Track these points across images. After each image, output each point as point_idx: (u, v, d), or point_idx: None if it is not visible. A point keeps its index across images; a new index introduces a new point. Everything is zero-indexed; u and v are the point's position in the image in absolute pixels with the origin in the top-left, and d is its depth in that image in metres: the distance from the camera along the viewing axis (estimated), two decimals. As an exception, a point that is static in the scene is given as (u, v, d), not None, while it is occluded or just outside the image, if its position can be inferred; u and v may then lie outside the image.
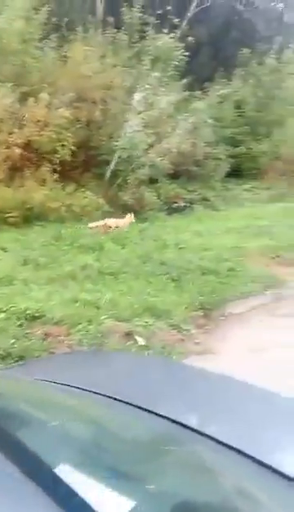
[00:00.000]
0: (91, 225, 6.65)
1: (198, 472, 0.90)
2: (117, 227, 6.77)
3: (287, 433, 1.10)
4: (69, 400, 1.14)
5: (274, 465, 0.88)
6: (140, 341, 3.53)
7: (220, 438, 0.99)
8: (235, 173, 10.90)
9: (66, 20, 10.84)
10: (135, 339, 3.54)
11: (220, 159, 10.34)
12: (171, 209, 9.07)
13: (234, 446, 0.95)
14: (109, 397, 1.09)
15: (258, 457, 0.90)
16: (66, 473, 0.76)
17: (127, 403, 1.06)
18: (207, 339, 4.11)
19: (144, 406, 1.06)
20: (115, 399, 1.08)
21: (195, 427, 1.01)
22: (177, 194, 9.61)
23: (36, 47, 8.68)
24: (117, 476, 0.80)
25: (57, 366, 1.56)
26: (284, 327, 4.47)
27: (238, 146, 10.92)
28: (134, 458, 0.88)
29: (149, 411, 1.04)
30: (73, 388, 1.14)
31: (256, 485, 0.89)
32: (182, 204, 9.41)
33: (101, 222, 6.72)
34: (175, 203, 9.38)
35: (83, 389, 1.13)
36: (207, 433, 1.00)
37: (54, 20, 9.90)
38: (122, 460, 0.86)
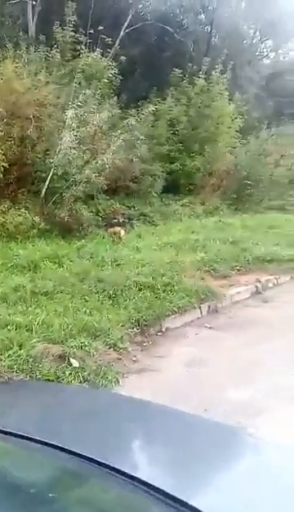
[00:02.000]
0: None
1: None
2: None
3: (206, 464, 1.08)
4: None
5: (185, 499, 0.85)
6: (74, 363, 3.44)
7: (133, 473, 0.94)
8: (172, 189, 11.13)
9: (-3, 36, 10.67)
10: (69, 362, 3.45)
11: (156, 175, 10.52)
12: (110, 225, 9.06)
13: (150, 482, 0.91)
14: (11, 433, 1.03)
15: (172, 493, 0.87)
16: None
17: (31, 439, 1.00)
18: (145, 357, 4.11)
19: (53, 442, 1.00)
20: (18, 435, 1.02)
21: (106, 462, 0.96)
22: (116, 210, 9.63)
23: None
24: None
25: None
26: (219, 340, 4.58)
27: (173, 163, 11.17)
28: (31, 500, 0.83)
29: (59, 448, 0.99)
30: None
31: None
32: (121, 220, 9.42)
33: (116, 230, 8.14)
34: (114, 219, 9.39)
35: None
36: (120, 468, 0.95)
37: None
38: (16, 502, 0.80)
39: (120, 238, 7.87)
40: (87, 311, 4.48)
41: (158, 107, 10.44)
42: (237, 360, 4.04)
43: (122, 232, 8.17)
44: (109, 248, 7.07)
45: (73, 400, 1.53)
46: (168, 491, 0.86)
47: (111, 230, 8.30)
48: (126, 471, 0.93)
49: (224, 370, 3.86)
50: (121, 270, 5.79)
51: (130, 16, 12.71)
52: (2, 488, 0.86)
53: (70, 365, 3.43)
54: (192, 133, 11.57)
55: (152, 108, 9.84)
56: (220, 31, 15.90)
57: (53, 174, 7.90)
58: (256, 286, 6.11)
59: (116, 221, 9.34)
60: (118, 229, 8.34)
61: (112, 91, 10.50)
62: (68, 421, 1.26)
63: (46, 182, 7.99)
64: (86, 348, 3.75)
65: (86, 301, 4.75)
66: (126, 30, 12.69)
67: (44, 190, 8.04)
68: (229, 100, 12.14)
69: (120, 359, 3.88)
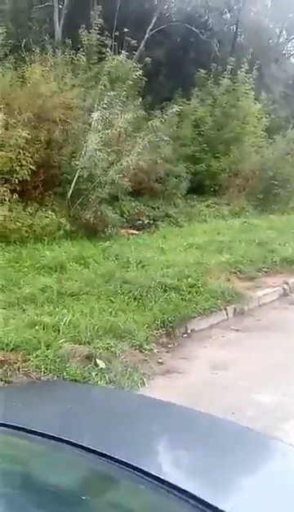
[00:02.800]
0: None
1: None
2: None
3: (234, 468, 1.06)
4: None
5: (214, 503, 0.84)
6: (101, 364, 3.46)
7: (163, 476, 0.94)
8: (197, 190, 11.08)
9: (24, 41, 10.88)
10: (96, 362, 3.47)
11: (181, 176, 10.49)
12: (135, 227, 9.10)
13: (177, 484, 0.90)
14: (40, 433, 1.04)
15: (200, 496, 0.86)
16: None
17: (59, 439, 1.01)
18: (170, 358, 4.10)
19: (82, 443, 1.01)
20: (47, 435, 1.03)
21: (137, 465, 0.96)
22: (140, 211, 9.65)
23: (-8, 68, 8.62)
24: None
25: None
26: (246, 342, 4.52)
27: (198, 164, 11.12)
28: (63, 501, 0.83)
29: (88, 449, 0.99)
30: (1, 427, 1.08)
31: None
32: (146, 221, 9.45)
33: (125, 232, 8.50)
34: (139, 220, 9.41)
35: (14, 427, 1.07)
36: (149, 470, 0.95)
37: (11, 41, 9.90)
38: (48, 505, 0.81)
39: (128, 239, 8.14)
40: (113, 312, 4.49)
41: (182, 108, 10.40)
42: (264, 363, 3.98)
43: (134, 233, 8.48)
44: (133, 249, 7.08)
45: (101, 401, 1.54)
46: (197, 495, 0.85)
47: (123, 231, 8.46)
48: (154, 473, 0.92)
49: (251, 373, 3.81)
50: (146, 271, 5.78)
51: (155, 18, 12.72)
52: (34, 489, 0.87)
53: (97, 365, 3.45)
54: (217, 134, 11.49)
55: (176, 109, 9.83)
56: (245, 30, 15.73)
57: (79, 176, 7.98)
58: (284, 288, 6.00)
59: (140, 222, 9.36)
60: (129, 231, 8.62)
61: (137, 92, 10.53)
62: (95, 422, 1.26)
63: (72, 184, 8.07)
64: (112, 349, 3.77)
65: (112, 302, 4.76)
66: (152, 32, 12.71)
67: (70, 192, 8.13)
68: (255, 99, 12.00)
69: (146, 360, 3.87)
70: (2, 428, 1.07)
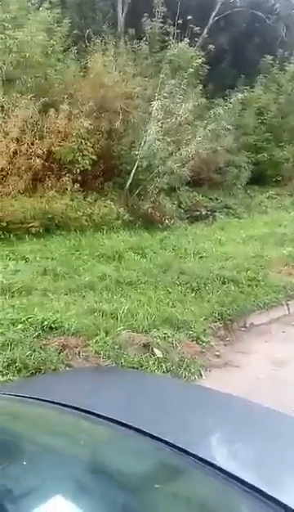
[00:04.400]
0: None
1: (197, 506, 0.83)
2: None
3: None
4: (61, 421, 1.09)
5: (276, 496, 0.82)
6: (158, 353, 3.46)
7: (224, 467, 0.92)
8: (258, 180, 10.76)
9: (88, 31, 11.01)
10: (153, 351, 3.47)
11: (242, 166, 10.22)
12: (193, 217, 9.00)
13: (238, 475, 0.88)
14: (104, 417, 1.04)
15: (263, 488, 0.84)
16: None
17: (123, 424, 1.00)
18: (228, 352, 4.02)
19: (145, 430, 1.00)
20: (111, 419, 1.02)
21: (198, 454, 0.94)
22: (198, 202, 9.53)
23: (57, 59, 8.79)
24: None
25: (59, 383, 1.52)
26: (308, 339, 4.33)
27: (260, 153, 10.79)
28: (127, 490, 0.82)
29: (151, 436, 0.98)
30: (67, 408, 1.09)
31: None
32: (204, 212, 9.32)
33: None
34: (197, 211, 9.30)
35: (79, 409, 1.08)
36: (210, 460, 0.93)
37: (76, 32, 10.05)
38: (115, 491, 0.80)
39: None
40: (170, 302, 4.48)
41: (245, 95, 10.10)
42: None
43: None
44: (191, 240, 7.02)
45: (161, 389, 1.53)
46: (259, 487, 0.84)
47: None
48: (218, 464, 0.91)
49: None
50: (203, 262, 5.71)
51: (219, 4, 12.39)
52: (109, 473, 0.87)
53: (154, 354, 3.45)
54: (281, 122, 11.09)
55: (239, 96, 9.55)
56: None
57: (138, 166, 8.00)
58: None
59: (198, 213, 9.24)
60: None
61: (199, 80, 10.35)
62: (157, 410, 1.26)
63: (131, 174, 8.11)
64: (169, 339, 3.75)
65: (169, 292, 4.75)
66: (216, 18, 12.40)
67: (129, 182, 8.18)
68: None
69: (203, 352, 3.83)
70: (71, 409, 1.08)
